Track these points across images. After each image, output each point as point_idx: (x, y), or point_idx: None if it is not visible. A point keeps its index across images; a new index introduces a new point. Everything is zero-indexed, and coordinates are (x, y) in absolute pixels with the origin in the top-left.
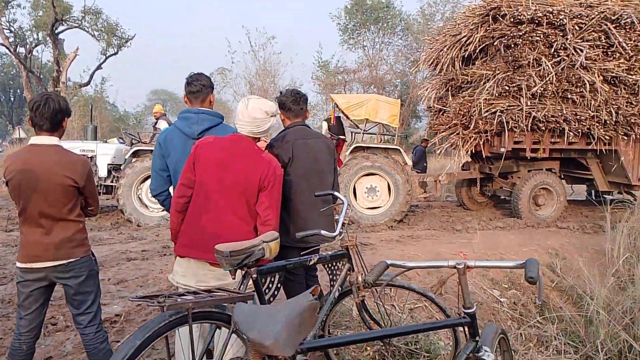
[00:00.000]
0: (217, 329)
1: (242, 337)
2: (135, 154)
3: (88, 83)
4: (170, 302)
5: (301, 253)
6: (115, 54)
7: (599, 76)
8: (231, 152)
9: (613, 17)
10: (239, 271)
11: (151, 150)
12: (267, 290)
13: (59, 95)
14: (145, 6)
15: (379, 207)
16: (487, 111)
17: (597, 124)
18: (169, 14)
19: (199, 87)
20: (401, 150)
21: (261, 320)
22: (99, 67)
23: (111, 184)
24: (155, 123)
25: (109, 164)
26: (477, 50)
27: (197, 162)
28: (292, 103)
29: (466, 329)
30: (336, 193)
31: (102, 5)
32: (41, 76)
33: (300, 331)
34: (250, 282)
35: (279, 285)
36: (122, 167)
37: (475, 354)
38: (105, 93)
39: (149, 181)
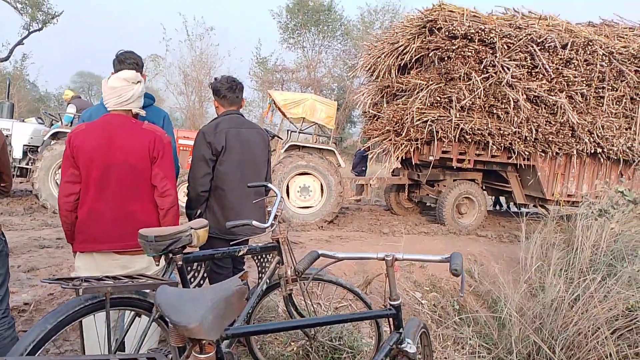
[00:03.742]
0: (137, 317)
1: (162, 325)
2: (55, 136)
3: (7, 58)
4: (87, 285)
5: (230, 244)
6: (40, 29)
7: (522, 94)
8: (108, 132)
9: (539, 40)
10: (162, 258)
11: None
12: (192, 280)
13: None
14: None
15: (310, 206)
16: (418, 120)
17: (518, 140)
18: None
19: (133, 65)
20: (336, 152)
21: (185, 303)
22: (20, 43)
23: (26, 166)
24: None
25: (25, 145)
26: (413, 60)
27: (76, 154)
28: (227, 90)
29: (391, 320)
30: (270, 185)
31: None
32: None
33: (227, 316)
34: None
35: (205, 274)
36: (39, 149)
37: (398, 346)
38: (25, 70)
39: None
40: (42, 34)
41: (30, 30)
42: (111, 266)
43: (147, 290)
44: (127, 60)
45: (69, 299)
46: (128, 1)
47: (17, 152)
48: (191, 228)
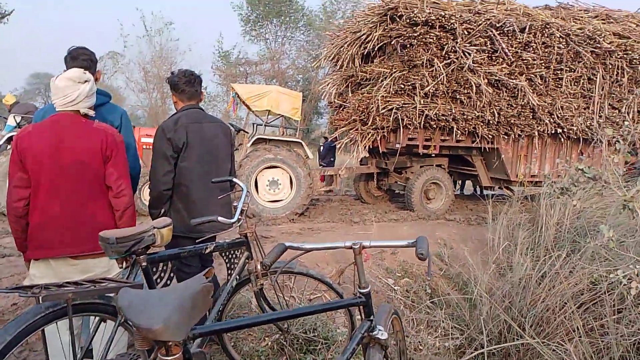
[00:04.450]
0: (103, 322)
1: (129, 329)
2: (11, 140)
3: None
4: (47, 292)
5: (196, 241)
6: None
7: (484, 79)
8: (57, 132)
9: (498, 25)
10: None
11: None
12: (158, 280)
13: None
14: None
15: (280, 200)
16: (384, 108)
17: (482, 124)
18: None
19: (87, 62)
20: (303, 143)
21: (149, 304)
22: None
23: None
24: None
25: None
26: (376, 48)
27: (24, 157)
28: (186, 84)
29: (361, 309)
30: (234, 179)
31: None
32: None
33: (193, 315)
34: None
35: (171, 274)
36: None
37: (369, 333)
38: None
39: None
40: None
41: None
42: (69, 272)
43: (111, 294)
44: (80, 57)
45: None
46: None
47: None
48: (154, 227)
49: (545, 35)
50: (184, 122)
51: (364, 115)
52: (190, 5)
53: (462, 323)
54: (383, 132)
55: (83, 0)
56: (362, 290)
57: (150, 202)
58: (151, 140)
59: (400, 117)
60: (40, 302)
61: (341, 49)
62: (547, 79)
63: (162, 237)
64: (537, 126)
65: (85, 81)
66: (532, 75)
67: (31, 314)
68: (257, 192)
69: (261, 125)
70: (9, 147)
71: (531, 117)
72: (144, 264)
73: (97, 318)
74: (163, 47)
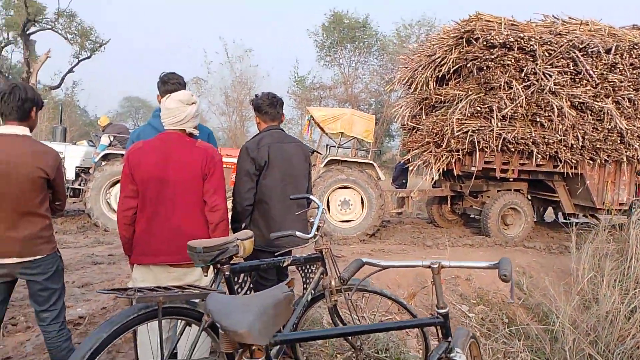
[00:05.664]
0: (188, 327)
1: (212, 334)
2: (106, 157)
3: (59, 86)
4: (140, 295)
5: (275, 254)
6: (89, 57)
7: (566, 101)
8: (164, 149)
9: (581, 46)
10: (210, 268)
11: (122, 155)
12: (239, 290)
13: (28, 85)
14: (121, 13)
15: (351, 220)
16: (459, 130)
17: (564, 148)
18: (145, 22)
19: (176, 85)
20: (375, 165)
21: (235, 309)
22: (70, 71)
23: (79, 187)
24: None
25: (77, 167)
26: (451, 71)
27: (134, 170)
28: (269, 106)
29: (439, 329)
30: (311, 196)
31: (76, 8)
32: (10, 77)
33: (275, 322)
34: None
35: (251, 285)
36: (91, 170)
37: (447, 355)
38: (76, 97)
39: (118, 185)
40: (91, 62)
41: (79, 59)
42: (166, 278)
43: (197, 300)
44: (170, 81)
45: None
46: (170, 28)
47: (70, 174)
48: (237, 239)
49: (634, 56)
50: (267, 142)
51: (438, 137)
52: (269, 33)
53: (543, 356)
54: (458, 154)
55: (172, 30)
56: (440, 311)
57: (232, 216)
58: (230, 159)
59: (476, 140)
60: (134, 303)
61: (415, 72)
62: (636, 102)
63: (245, 248)
64: (626, 151)
65: (193, 103)
66: (620, 98)
67: (125, 315)
68: (329, 211)
69: (334, 147)
70: (103, 163)
71: (619, 141)
72: (227, 273)
73: (183, 322)
74: (243, 72)
